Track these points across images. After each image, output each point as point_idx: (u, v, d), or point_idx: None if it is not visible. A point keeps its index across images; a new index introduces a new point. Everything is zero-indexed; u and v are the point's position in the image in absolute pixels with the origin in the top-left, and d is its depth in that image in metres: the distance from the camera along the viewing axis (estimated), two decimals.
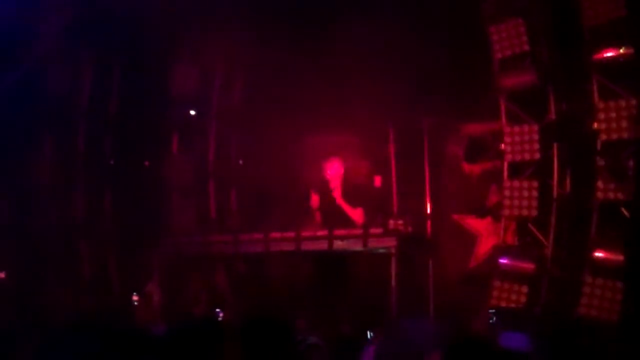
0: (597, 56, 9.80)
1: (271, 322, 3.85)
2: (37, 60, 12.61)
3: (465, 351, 4.17)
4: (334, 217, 11.24)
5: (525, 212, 10.46)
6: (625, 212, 9.63)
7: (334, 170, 11.55)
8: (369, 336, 9.14)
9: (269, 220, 12.16)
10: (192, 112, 14.11)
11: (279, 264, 11.70)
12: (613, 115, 9.64)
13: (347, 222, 11.19)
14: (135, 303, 11.80)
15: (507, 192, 10.61)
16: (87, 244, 13.40)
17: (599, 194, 9.82)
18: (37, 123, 13.18)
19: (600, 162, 9.74)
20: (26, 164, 12.94)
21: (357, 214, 11.24)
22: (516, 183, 10.51)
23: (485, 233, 11.72)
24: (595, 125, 9.80)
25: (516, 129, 10.55)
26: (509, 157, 10.61)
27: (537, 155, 10.39)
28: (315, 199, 11.61)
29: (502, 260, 10.46)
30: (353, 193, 11.42)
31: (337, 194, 11.36)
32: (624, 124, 9.57)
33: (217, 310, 11.13)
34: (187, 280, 12.03)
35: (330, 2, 12.23)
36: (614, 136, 9.65)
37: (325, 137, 12.72)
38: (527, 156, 10.46)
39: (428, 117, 11.80)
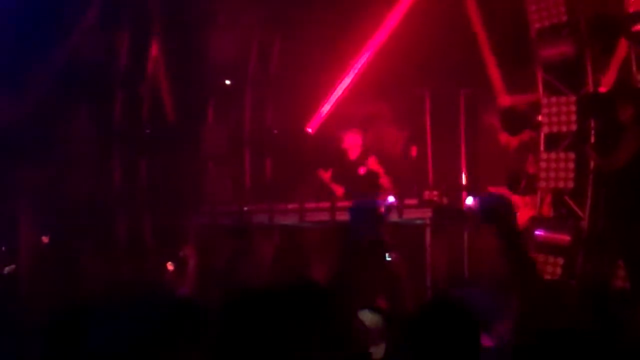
0: (636, 27, 9.69)
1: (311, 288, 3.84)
2: (79, 32, 12.71)
3: (437, 314, 4.15)
4: (356, 188, 11.24)
5: (561, 184, 10.40)
6: None
7: (352, 141, 11.59)
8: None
9: (303, 189, 12.17)
10: (228, 81, 14.13)
11: (313, 234, 11.71)
12: None
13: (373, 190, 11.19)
14: (170, 270, 11.86)
15: (543, 164, 10.55)
16: (124, 212, 13.50)
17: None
18: (74, 92, 13.26)
19: None
20: (64, 132, 13.02)
21: (385, 180, 11.27)
22: (553, 155, 10.45)
23: (521, 205, 11.62)
24: None
25: (553, 100, 10.48)
26: (545, 128, 10.55)
27: (574, 127, 10.32)
28: (326, 175, 11.63)
29: (538, 232, 10.43)
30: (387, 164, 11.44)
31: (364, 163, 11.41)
32: None
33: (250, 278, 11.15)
34: (221, 248, 12.07)
35: None
36: None
37: (361, 107, 12.69)
38: (563, 128, 10.39)
39: (465, 87, 11.73)
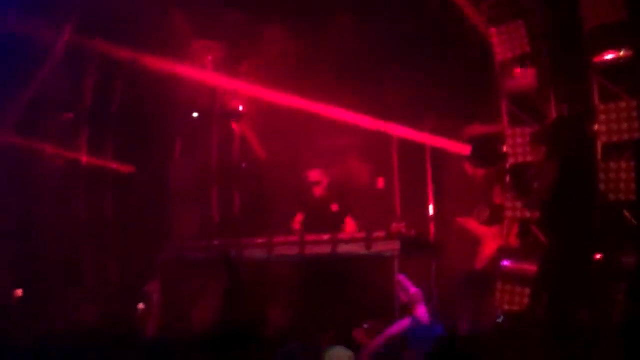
0: (598, 58, 9.76)
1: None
2: (45, 70, 12.69)
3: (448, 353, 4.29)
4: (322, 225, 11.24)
5: (527, 214, 10.41)
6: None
7: (315, 179, 11.59)
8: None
9: (272, 224, 12.13)
10: (196, 114, 14.11)
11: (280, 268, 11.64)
12: (613, 116, 9.60)
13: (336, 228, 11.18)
14: (140, 309, 11.75)
15: (509, 194, 10.57)
16: (90, 249, 13.38)
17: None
18: (39, 126, 13.19)
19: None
20: (29, 168, 12.93)
21: (349, 225, 11.27)
22: None
23: (489, 235, 11.62)
24: (596, 127, 9.75)
25: (518, 130, 10.52)
26: (511, 159, 10.58)
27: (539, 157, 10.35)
28: (298, 220, 11.62)
29: (505, 263, 10.42)
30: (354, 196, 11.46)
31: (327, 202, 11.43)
32: (625, 125, 9.53)
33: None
34: (187, 284, 11.97)
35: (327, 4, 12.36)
36: (615, 138, 9.60)
37: (328, 140, 12.70)
38: (529, 158, 10.42)
39: (430, 118, 11.77)
